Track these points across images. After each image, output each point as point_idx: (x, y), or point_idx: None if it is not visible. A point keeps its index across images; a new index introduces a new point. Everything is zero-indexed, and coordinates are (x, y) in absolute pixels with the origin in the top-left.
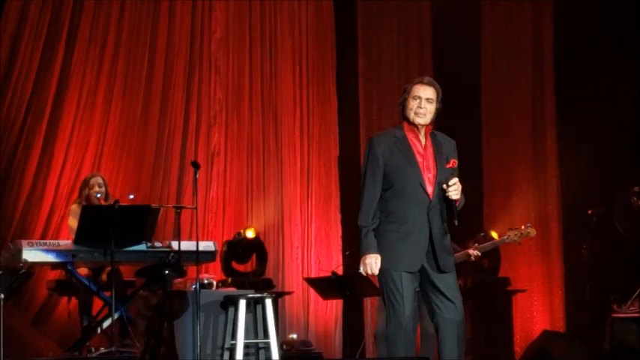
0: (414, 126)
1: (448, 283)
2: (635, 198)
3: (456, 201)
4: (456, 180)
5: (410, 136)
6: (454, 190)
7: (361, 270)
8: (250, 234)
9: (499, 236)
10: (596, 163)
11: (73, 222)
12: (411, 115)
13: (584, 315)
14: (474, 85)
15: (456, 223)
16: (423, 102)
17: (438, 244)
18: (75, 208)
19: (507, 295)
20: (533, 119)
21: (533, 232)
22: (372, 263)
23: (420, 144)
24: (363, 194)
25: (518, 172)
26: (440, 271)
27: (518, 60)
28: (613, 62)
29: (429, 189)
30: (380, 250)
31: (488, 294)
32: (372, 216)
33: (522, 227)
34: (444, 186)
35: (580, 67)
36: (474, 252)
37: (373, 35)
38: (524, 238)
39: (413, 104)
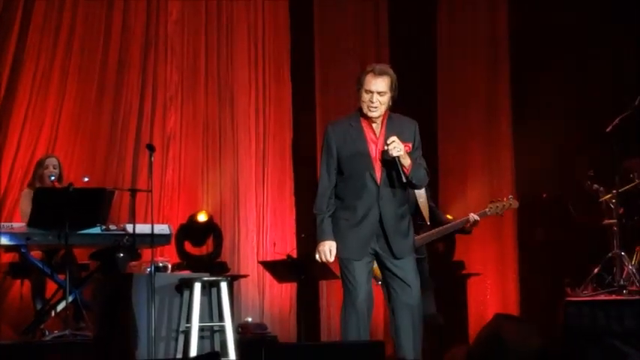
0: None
1: (404, 267)
2: (589, 182)
3: (403, 166)
4: (394, 138)
5: (364, 124)
6: (393, 147)
7: (316, 256)
8: (202, 217)
9: (455, 218)
10: (551, 147)
11: (25, 206)
12: (365, 109)
13: (538, 298)
14: (430, 69)
15: (404, 179)
16: (375, 96)
17: (392, 230)
18: (27, 192)
19: (462, 279)
20: (488, 102)
21: (515, 203)
22: (325, 250)
23: (374, 132)
24: (319, 182)
25: (473, 156)
26: (395, 257)
27: (473, 44)
28: (568, 45)
29: (379, 177)
30: (334, 237)
31: (443, 278)
32: (327, 203)
33: (505, 199)
34: (385, 146)
35: (535, 49)
36: (473, 216)
37: (329, 18)
38: (506, 210)
39: (365, 98)
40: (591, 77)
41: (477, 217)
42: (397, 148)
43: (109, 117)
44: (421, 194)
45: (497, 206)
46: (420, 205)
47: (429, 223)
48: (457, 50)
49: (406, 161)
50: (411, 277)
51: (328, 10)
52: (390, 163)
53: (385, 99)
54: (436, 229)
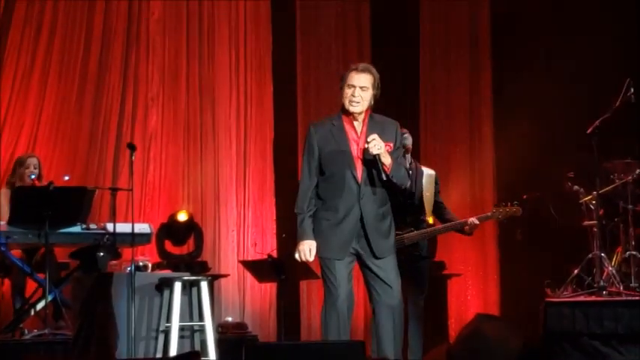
0: (351, 113)
1: (385, 267)
2: (569, 183)
3: (383, 164)
4: (374, 136)
5: (346, 124)
6: (373, 145)
7: (296, 256)
8: (182, 217)
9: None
10: (532, 148)
11: (4, 204)
12: (347, 104)
13: (519, 299)
14: (412, 69)
15: (384, 177)
16: (357, 90)
17: (372, 230)
18: (5, 192)
19: (442, 279)
20: (470, 104)
21: (519, 210)
22: (305, 250)
23: (356, 131)
24: (300, 182)
25: (455, 157)
26: (375, 256)
27: (456, 45)
28: (550, 44)
29: (360, 176)
30: (315, 237)
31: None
32: (308, 203)
33: (509, 205)
34: (365, 145)
35: (517, 50)
36: (473, 220)
37: (311, 19)
38: (509, 216)
39: (348, 92)
40: (574, 78)
41: (476, 222)
42: (377, 145)
43: (89, 116)
44: (428, 188)
45: (500, 211)
46: (425, 199)
47: (429, 219)
48: (440, 52)
49: (387, 160)
50: (392, 277)
51: (310, 11)
52: (371, 163)
53: (367, 95)
54: (432, 228)
